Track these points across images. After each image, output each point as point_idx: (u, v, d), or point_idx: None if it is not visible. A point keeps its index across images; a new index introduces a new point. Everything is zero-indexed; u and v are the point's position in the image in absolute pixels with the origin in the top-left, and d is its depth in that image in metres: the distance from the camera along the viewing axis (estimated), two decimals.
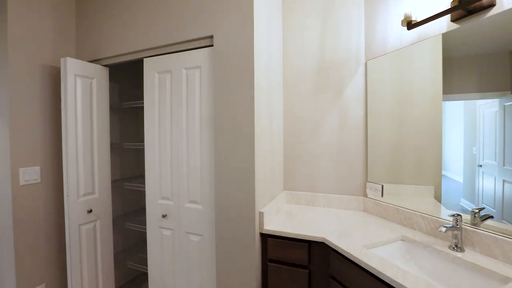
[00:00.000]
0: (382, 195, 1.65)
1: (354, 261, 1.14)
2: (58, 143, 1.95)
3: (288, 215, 1.70)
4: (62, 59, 1.73)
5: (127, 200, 2.43)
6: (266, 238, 1.49)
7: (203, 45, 1.58)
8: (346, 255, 1.18)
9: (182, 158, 1.64)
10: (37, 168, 1.81)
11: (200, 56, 1.59)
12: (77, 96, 1.79)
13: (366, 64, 1.77)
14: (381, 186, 1.65)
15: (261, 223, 1.47)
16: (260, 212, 1.47)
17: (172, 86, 1.67)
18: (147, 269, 1.89)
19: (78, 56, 2.02)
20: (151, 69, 1.73)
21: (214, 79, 1.51)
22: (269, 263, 1.46)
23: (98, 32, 1.93)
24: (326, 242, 1.32)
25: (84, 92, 1.84)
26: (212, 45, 1.56)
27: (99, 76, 1.93)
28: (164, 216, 1.70)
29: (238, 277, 1.47)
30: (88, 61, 1.96)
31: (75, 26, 2.04)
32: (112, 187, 2.27)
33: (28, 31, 1.76)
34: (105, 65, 1.97)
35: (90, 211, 1.87)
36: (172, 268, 1.72)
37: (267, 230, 1.46)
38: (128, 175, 2.44)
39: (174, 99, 1.66)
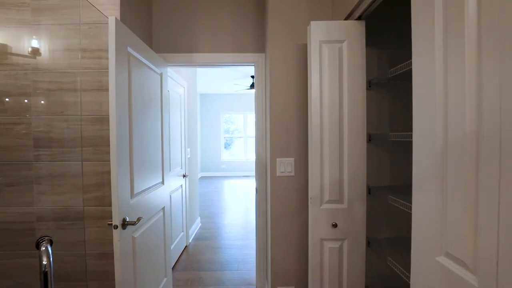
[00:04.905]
0: None
1: None
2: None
3: None
4: (308, 27, 1.39)
5: (393, 220, 1.63)
6: None
7: None
8: None
9: (492, 164, 0.55)
10: (291, 160, 1.67)
11: None
12: (322, 69, 1.36)
13: None
14: None
15: None
16: None
17: None
18: None
19: (333, 18, 1.60)
20: None
21: None
22: None
23: None
24: None
25: (331, 62, 1.36)
26: None
27: (351, 36, 1.35)
28: None
29: None
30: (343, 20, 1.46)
31: None
32: (370, 197, 1.60)
33: (285, 10, 1.63)
34: (359, 18, 1.34)
35: (335, 225, 1.38)
36: None
37: None
38: (397, 182, 1.63)
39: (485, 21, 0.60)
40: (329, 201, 1.38)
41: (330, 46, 1.34)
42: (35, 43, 1.50)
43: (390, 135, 1.37)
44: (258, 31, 2.05)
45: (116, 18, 1.22)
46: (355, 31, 1.34)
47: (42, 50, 1.48)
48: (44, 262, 0.59)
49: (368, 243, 1.55)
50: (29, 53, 1.51)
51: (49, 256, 0.60)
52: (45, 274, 0.56)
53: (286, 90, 1.65)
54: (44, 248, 0.60)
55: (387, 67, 1.59)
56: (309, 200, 1.42)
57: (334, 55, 1.35)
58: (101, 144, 1.50)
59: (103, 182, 1.49)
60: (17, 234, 1.49)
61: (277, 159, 1.65)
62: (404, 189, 1.52)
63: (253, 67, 2.12)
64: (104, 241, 1.51)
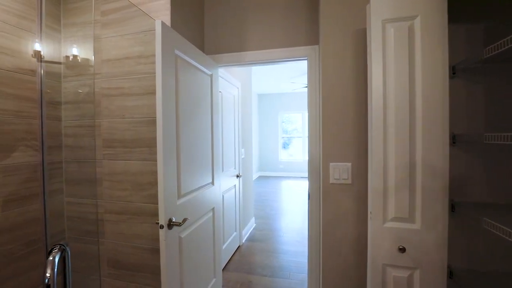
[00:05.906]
0: None
1: None
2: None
3: None
4: (367, 6, 1.15)
5: (489, 246, 1.22)
6: None
7: None
8: None
9: None
10: (348, 166, 1.43)
11: None
12: (386, 55, 1.10)
13: None
14: None
15: None
16: None
17: None
18: None
19: None
20: None
21: None
22: None
23: None
24: None
25: (398, 45, 1.09)
26: None
27: (427, 9, 1.05)
28: None
29: None
30: None
31: None
32: (454, 215, 1.24)
33: None
34: None
35: (403, 249, 1.10)
36: None
37: None
38: (495, 199, 1.22)
39: None
40: (395, 219, 1.12)
41: (396, 26, 1.08)
42: (105, 55, 1.67)
43: (486, 137, 1.03)
44: (311, 21, 1.86)
45: (162, 22, 1.24)
46: (432, 2, 1.04)
47: (107, 60, 1.65)
48: (48, 274, 0.57)
49: (450, 274, 1.21)
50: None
51: (54, 268, 0.58)
52: (48, 287, 0.55)
53: (341, 84, 1.43)
54: (51, 258, 0.59)
55: (480, 47, 1.21)
56: (369, 215, 1.18)
57: (403, 36, 1.08)
58: (155, 145, 1.57)
59: (157, 181, 1.57)
60: (89, 223, 1.70)
61: (330, 163, 1.45)
62: (507, 208, 1.13)
63: (306, 61, 1.94)
64: (158, 236, 1.58)
